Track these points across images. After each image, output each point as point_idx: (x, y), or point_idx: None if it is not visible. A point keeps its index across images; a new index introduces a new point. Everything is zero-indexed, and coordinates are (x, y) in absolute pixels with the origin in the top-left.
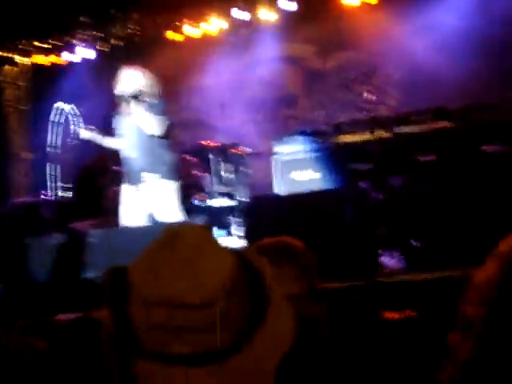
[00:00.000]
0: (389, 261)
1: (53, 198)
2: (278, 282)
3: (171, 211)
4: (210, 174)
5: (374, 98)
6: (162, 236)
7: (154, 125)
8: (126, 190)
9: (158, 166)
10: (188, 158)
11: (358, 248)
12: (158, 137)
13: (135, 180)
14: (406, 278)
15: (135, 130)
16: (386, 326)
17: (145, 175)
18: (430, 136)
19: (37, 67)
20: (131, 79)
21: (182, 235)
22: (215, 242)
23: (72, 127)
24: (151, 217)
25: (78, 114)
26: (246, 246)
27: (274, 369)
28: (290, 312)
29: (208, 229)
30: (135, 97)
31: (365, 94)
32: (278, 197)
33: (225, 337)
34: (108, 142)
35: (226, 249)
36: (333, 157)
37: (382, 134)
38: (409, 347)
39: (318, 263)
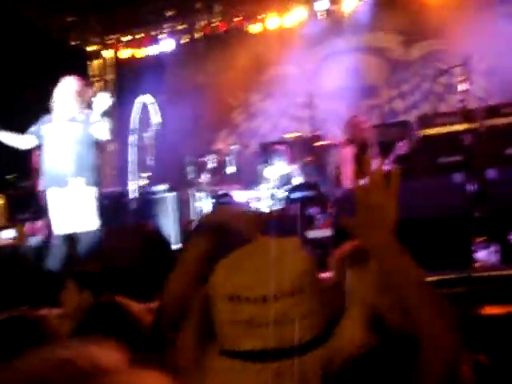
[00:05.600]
0: (484, 255)
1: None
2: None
3: (91, 217)
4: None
5: (467, 89)
6: (245, 247)
7: (105, 129)
8: (52, 193)
9: (85, 172)
10: (277, 148)
11: (452, 241)
12: (88, 143)
13: (62, 184)
14: (502, 272)
15: (65, 135)
16: (487, 321)
17: (71, 180)
18: None
19: (121, 60)
20: (72, 87)
21: (260, 244)
22: (291, 248)
23: (152, 118)
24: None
25: (157, 104)
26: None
27: (339, 370)
28: (363, 319)
29: (284, 237)
30: (85, 104)
31: (459, 86)
32: None
33: (301, 333)
34: (6, 138)
35: (303, 253)
36: (420, 149)
37: (473, 125)
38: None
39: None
